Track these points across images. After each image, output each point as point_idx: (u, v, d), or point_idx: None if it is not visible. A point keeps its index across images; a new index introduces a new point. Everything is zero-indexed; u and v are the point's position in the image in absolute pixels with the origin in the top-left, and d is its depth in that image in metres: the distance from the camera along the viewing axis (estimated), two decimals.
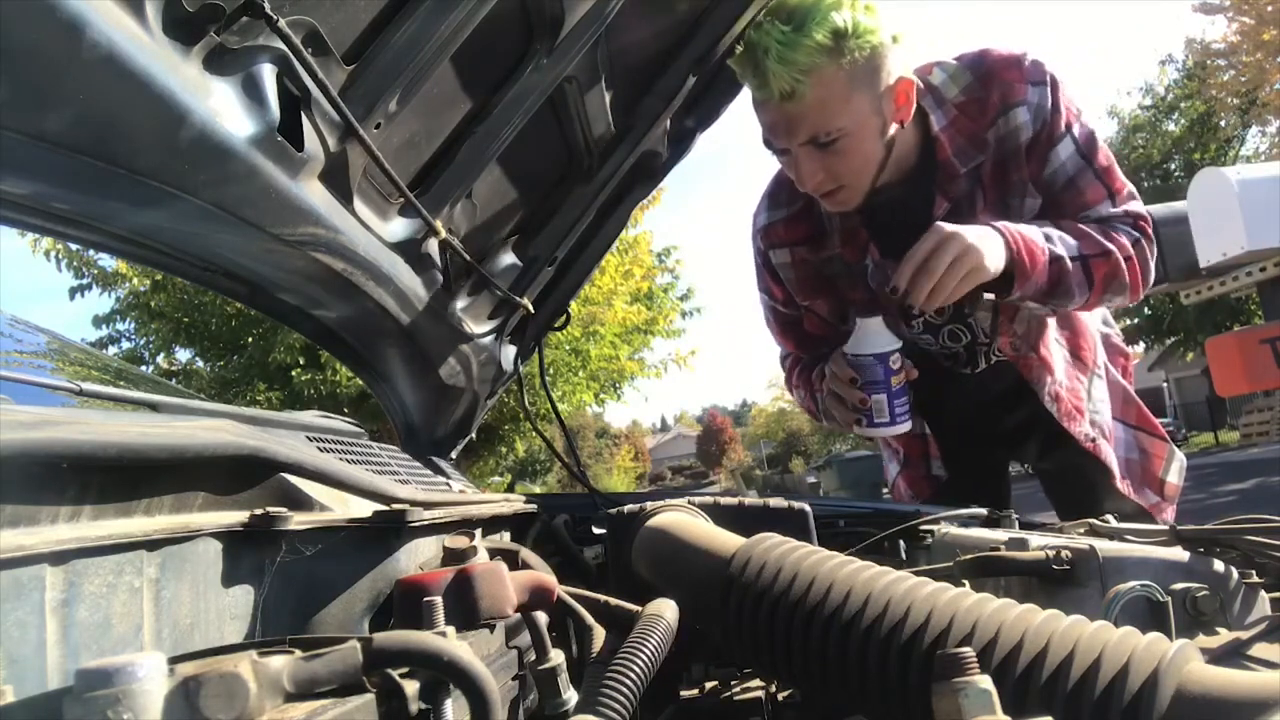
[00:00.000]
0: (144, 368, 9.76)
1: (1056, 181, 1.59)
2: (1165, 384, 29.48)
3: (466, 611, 0.65)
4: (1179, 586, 0.69)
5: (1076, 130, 1.57)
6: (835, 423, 1.72)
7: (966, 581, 0.76)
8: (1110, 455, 1.75)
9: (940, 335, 1.74)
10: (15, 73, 0.57)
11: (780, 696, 0.88)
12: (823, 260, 1.74)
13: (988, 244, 1.44)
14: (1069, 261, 1.53)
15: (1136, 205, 1.63)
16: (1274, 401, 16.04)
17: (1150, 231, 1.64)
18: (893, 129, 1.51)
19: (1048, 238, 1.53)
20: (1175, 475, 1.83)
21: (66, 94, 0.61)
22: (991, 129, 1.55)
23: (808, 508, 1.05)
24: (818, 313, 1.80)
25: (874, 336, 1.54)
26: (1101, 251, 1.56)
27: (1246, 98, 18.61)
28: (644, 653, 0.63)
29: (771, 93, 1.41)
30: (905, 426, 1.55)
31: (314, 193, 0.93)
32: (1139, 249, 1.61)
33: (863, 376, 1.54)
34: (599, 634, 0.79)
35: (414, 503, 0.76)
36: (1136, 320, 22.83)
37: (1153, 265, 1.63)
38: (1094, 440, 1.73)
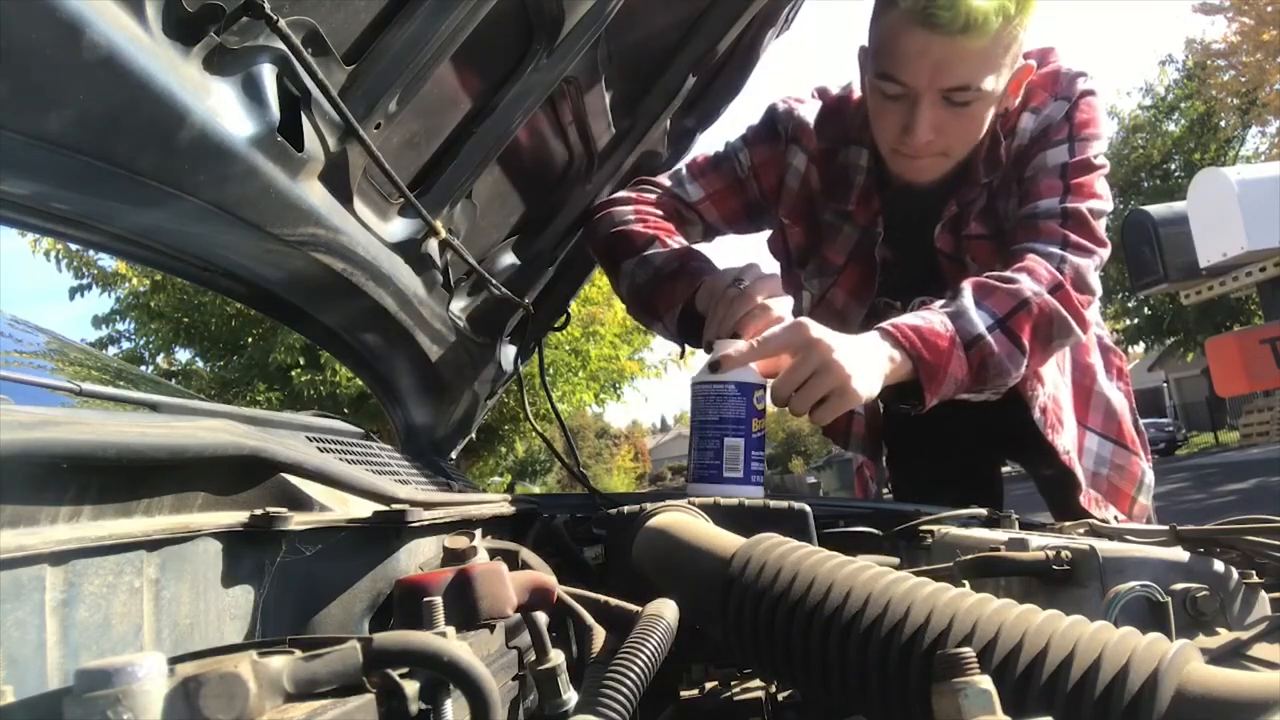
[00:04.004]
0: (144, 368, 9.76)
1: (1024, 182, 1.49)
2: (1165, 384, 29.48)
3: (466, 611, 0.65)
4: (1179, 587, 0.69)
5: (1077, 146, 1.47)
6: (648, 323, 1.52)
7: (966, 581, 0.76)
8: (1079, 468, 1.70)
9: None
10: (15, 73, 0.57)
11: (780, 696, 0.88)
12: (824, 206, 1.67)
13: (863, 358, 1.19)
14: (989, 336, 1.30)
15: (1082, 209, 1.44)
16: (1274, 401, 16.04)
17: (1085, 235, 1.43)
18: (993, 113, 1.46)
19: (954, 314, 1.30)
20: (1145, 496, 1.79)
21: (66, 94, 0.61)
22: (1008, 137, 1.51)
23: (808, 508, 1.04)
24: (790, 238, 1.71)
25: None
26: (1018, 303, 1.33)
27: (1246, 98, 18.62)
28: (644, 653, 0.63)
29: (956, 17, 1.29)
30: (757, 490, 1.19)
31: (314, 193, 0.93)
32: (1073, 272, 1.39)
33: (717, 412, 1.19)
34: (599, 634, 0.79)
35: (414, 503, 0.76)
36: (1136, 320, 22.83)
37: (1094, 278, 1.43)
38: (1068, 453, 1.68)
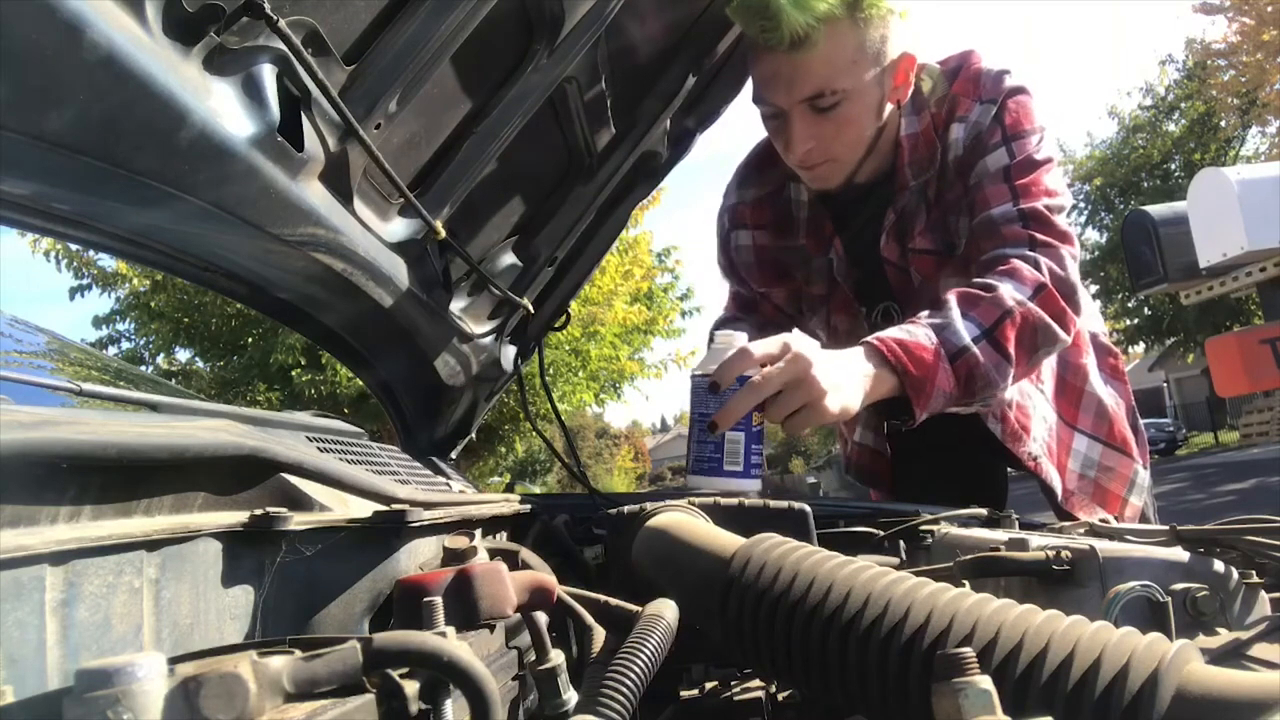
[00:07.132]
0: (144, 368, 9.76)
1: (969, 192, 1.48)
2: (1165, 384, 29.50)
3: (466, 611, 0.65)
4: (1179, 587, 0.69)
5: (1015, 147, 1.45)
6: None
7: (966, 581, 0.76)
8: (1053, 474, 1.69)
9: None
10: (15, 73, 0.57)
11: (780, 696, 0.88)
12: (783, 249, 1.71)
13: (842, 376, 1.18)
14: (975, 348, 1.29)
15: (1038, 207, 1.42)
16: (1274, 401, 16.03)
17: (1049, 233, 1.40)
18: (888, 109, 1.47)
19: (940, 326, 1.29)
20: (1137, 497, 1.78)
21: (66, 94, 0.61)
22: (939, 144, 1.52)
23: (808, 508, 1.04)
24: (774, 301, 1.77)
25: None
26: (1002, 313, 1.31)
27: (1246, 98, 18.62)
28: (644, 653, 0.63)
29: (781, 37, 1.32)
30: (755, 484, 1.18)
31: (314, 193, 0.93)
32: (1049, 273, 1.36)
33: (720, 404, 1.17)
34: (599, 634, 0.79)
35: (414, 503, 0.76)
36: (1136, 320, 22.84)
37: (1073, 272, 1.41)
38: (1036, 459, 1.67)
